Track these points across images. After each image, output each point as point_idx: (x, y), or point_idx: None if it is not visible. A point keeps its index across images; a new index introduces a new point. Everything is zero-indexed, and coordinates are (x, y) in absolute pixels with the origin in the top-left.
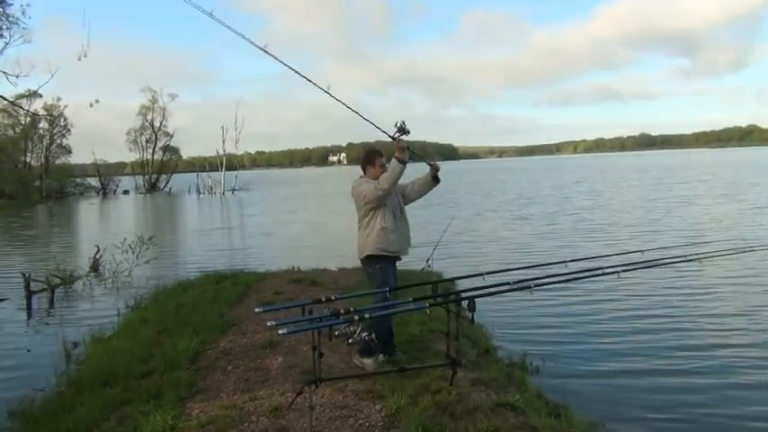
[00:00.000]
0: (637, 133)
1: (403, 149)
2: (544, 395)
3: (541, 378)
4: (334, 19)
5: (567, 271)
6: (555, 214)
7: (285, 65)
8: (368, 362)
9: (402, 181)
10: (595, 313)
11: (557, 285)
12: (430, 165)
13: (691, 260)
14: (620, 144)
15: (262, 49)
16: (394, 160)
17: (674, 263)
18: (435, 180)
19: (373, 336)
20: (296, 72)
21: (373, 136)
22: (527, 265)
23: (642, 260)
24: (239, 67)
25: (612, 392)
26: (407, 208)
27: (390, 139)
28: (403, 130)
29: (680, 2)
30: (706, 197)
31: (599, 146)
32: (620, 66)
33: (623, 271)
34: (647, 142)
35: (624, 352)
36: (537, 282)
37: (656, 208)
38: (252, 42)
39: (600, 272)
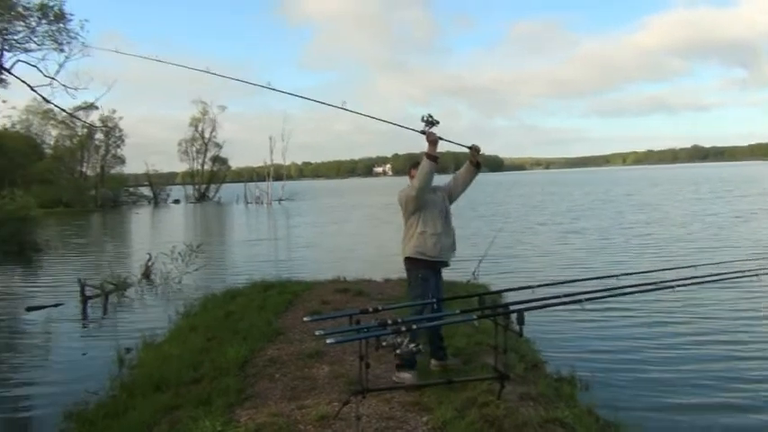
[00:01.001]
0: (689, 145)
1: (434, 142)
2: (594, 412)
3: (591, 394)
4: (380, 31)
5: (619, 285)
6: (608, 228)
7: (292, 94)
8: (406, 376)
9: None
10: (649, 331)
11: (608, 300)
12: (469, 148)
13: (750, 275)
14: (672, 156)
15: (265, 87)
16: (424, 158)
17: (732, 278)
18: (477, 166)
19: (420, 347)
20: (304, 98)
21: (419, 146)
22: (577, 278)
23: (698, 275)
24: (285, 80)
25: (665, 412)
26: (456, 208)
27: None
28: (431, 122)
29: (735, 11)
30: None
31: (649, 157)
32: (671, 76)
33: (677, 286)
34: (699, 154)
35: (679, 372)
36: (588, 296)
37: (716, 222)
38: (249, 83)
39: (653, 287)
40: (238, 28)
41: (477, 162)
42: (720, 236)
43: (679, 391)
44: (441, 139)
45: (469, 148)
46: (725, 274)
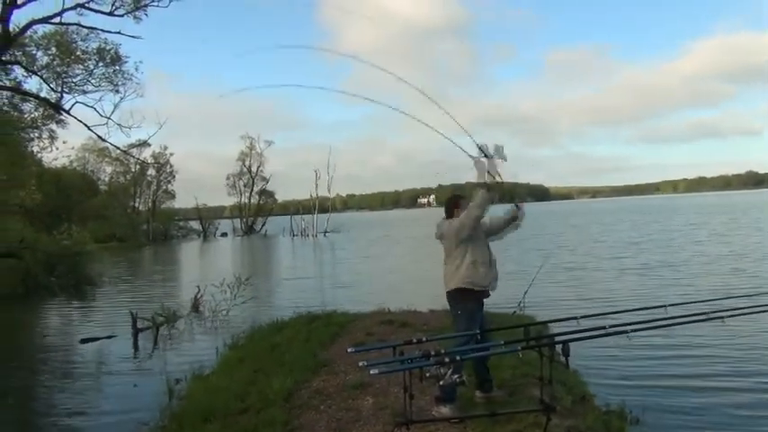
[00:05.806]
0: (741, 171)
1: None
2: None
3: (642, 429)
4: (419, 63)
5: (666, 316)
6: (678, 264)
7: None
8: (445, 410)
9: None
10: (700, 362)
11: (660, 331)
12: (516, 206)
13: None
14: (725, 182)
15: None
16: (481, 190)
17: None
18: (513, 220)
19: (464, 379)
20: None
21: (463, 177)
22: (624, 309)
23: (752, 305)
24: (327, 114)
25: None
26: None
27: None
28: (486, 155)
29: None
30: None
31: (701, 184)
32: (718, 101)
33: (729, 317)
34: (753, 180)
35: (734, 406)
36: (634, 326)
37: None
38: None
39: (704, 317)
40: (280, 62)
41: (516, 218)
42: None
43: (732, 418)
44: (489, 172)
45: (517, 206)
46: None
